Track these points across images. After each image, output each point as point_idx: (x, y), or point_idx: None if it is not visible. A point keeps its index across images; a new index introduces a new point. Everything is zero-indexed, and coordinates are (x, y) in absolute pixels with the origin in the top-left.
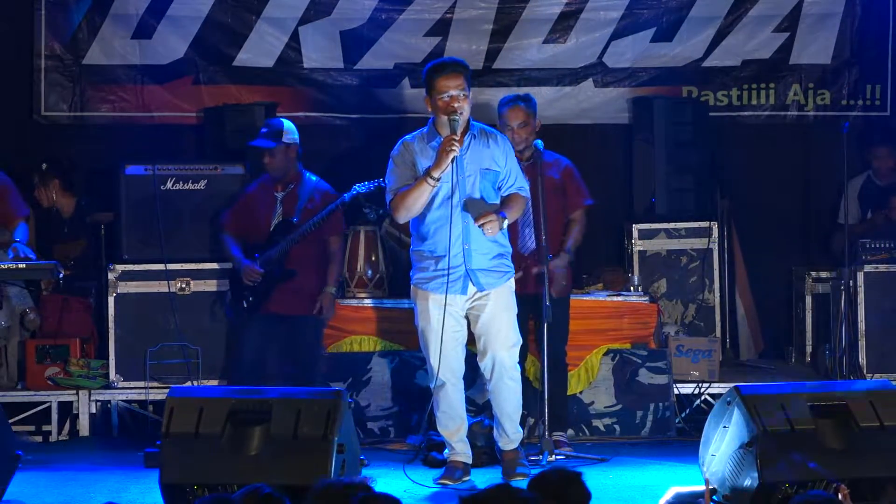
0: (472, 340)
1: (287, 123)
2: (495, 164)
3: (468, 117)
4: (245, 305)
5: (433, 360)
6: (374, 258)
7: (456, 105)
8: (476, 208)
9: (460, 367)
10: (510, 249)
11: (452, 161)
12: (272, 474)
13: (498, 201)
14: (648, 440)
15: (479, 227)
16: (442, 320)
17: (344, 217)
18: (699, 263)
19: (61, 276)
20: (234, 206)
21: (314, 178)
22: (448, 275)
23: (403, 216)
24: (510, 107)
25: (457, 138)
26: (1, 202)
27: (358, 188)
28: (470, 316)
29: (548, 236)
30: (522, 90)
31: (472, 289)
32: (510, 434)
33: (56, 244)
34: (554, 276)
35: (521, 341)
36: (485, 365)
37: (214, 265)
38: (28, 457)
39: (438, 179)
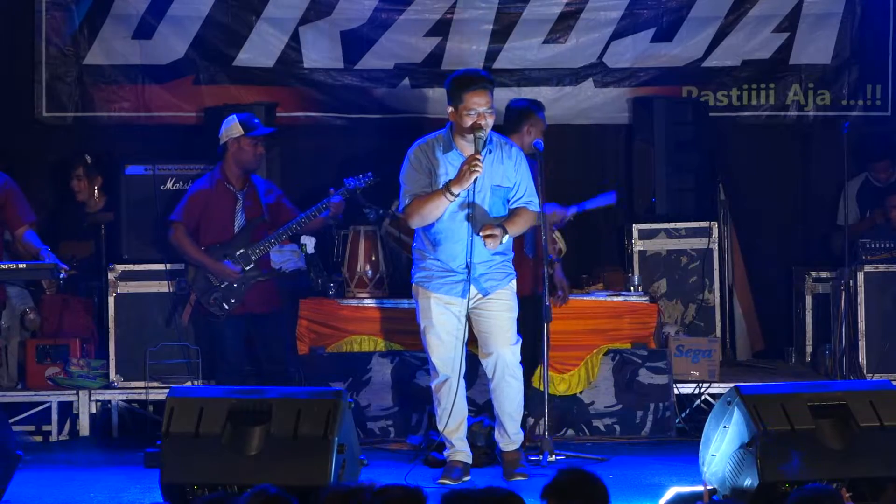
0: (471, 341)
1: None
2: (507, 180)
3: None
4: (227, 308)
5: (434, 358)
6: (374, 258)
7: (482, 123)
8: (483, 224)
9: (462, 365)
10: (512, 254)
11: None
12: (272, 474)
13: (508, 204)
14: (648, 440)
15: (481, 239)
16: (442, 318)
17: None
18: (699, 263)
19: (62, 276)
20: (185, 203)
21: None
22: (450, 278)
23: (417, 223)
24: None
25: (481, 158)
26: (7, 208)
27: (355, 183)
28: (472, 315)
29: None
30: (523, 90)
31: (472, 290)
32: (511, 434)
33: (65, 240)
34: (564, 285)
35: (520, 340)
36: (487, 363)
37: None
38: (28, 457)
39: (457, 195)
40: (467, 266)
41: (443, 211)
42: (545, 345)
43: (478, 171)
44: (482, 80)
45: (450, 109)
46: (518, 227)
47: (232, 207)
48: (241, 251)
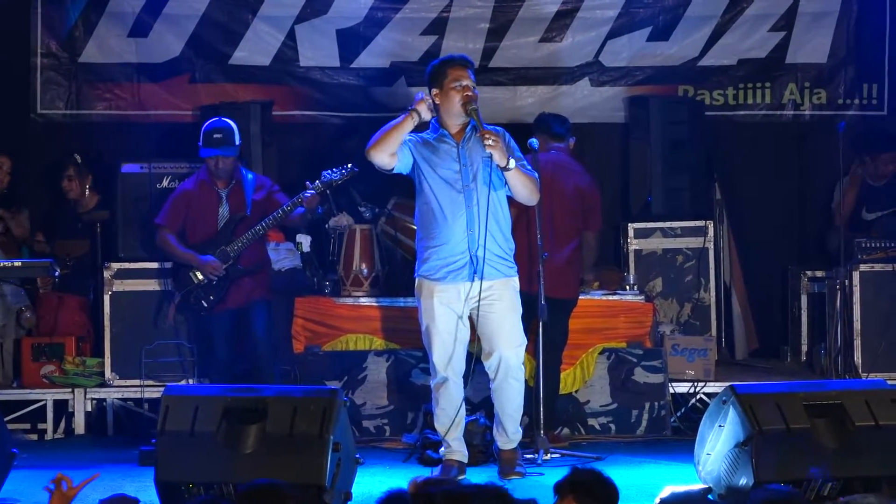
0: (470, 340)
1: (233, 123)
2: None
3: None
4: (206, 305)
5: (435, 358)
6: (369, 257)
7: (470, 94)
8: (480, 194)
9: (461, 366)
10: (513, 246)
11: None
12: (268, 472)
13: (505, 188)
14: (644, 439)
15: (482, 138)
16: (444, 318)
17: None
18: (695, 262)
19: (57, 274)
20: (169, 205)
21: (247, 170)
22: (452, 265)
23: (375, 151)
24: None
25: (491, 136)
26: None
27: (330, 175)
28: (475, 315)
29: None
30: (519, 89)
31: (475, 287)
32: (510, 434)
33: (61, 239)
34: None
35: (525, 342)
36: (490, 364)
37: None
38: (23, 455)
39: (419, 116)
40: (467, 238)
41: (402, 138)
42: (540, 343)
43: (492, 145)
44: (462, 58)
45: (434, 92)
46: (522, 173)
47: (216, 206)
48: (221, 248)
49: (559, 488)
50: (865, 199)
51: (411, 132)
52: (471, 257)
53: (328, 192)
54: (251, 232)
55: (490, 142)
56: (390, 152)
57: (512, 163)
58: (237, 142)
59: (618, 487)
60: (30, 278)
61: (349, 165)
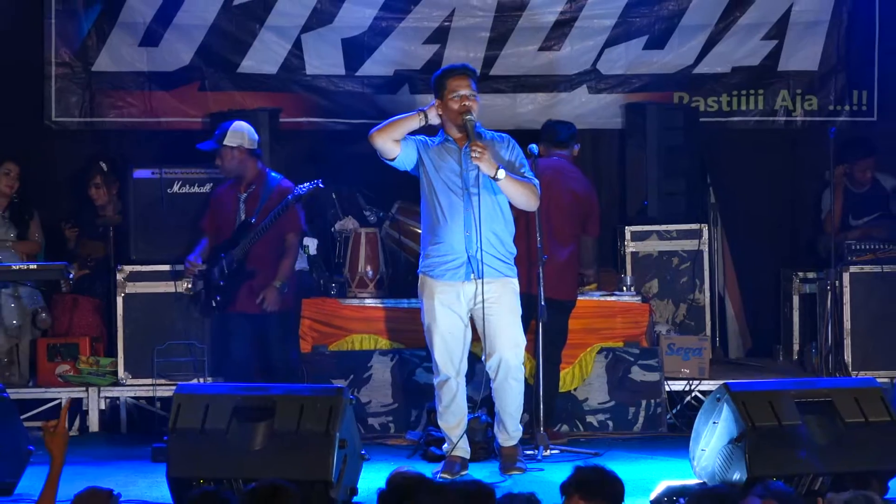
0: (472, 341)
1: (237, 125)
2: (499, 160)
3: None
4: (214, 305)
5: (437, 357)
6: (374, 259)
7: (468, 104)
8: (479, 199)
9: (464, 365)
10: (514, 251)
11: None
12: (276, 469)
13: (504, 194)
14: (640, 435)
15: (470, 150)
16: (446, 319)
17: (301, 214)
18: (690, 264)
19: (71, 276)
20: (207, 209)
21: (278, 176)
22: (452, 262)
23: (378, 136)
24: None
25: (480, 146)
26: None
27: (298, 190)
28: (475, 316)
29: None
30: (519, 97)
31: (475, 286)
32: (511, 431)
33: (84, 238)
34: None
35: (524, 342)
36: (490, 364)
37: None
38: (39, 452)
39: (428, 120)
40: (465, 240)
41: (406, 131)
42: (539, 343)
43: (477, 157)
44: (462, 67)
45: (437, 103)
46: (514, 181)
47: (234, 210)
48: (230, 251)
49: (565, 488)
50: (850, 206)
51: (422, 134)
52: (468, 258)
53: (297, 204)
54: (248, 239)
55: (475, 154)
56: (393, 139)
57: (501, 173)
58: (225, 141)
59: (623, 482)
60: (53, 280)
61: (317, 181)
